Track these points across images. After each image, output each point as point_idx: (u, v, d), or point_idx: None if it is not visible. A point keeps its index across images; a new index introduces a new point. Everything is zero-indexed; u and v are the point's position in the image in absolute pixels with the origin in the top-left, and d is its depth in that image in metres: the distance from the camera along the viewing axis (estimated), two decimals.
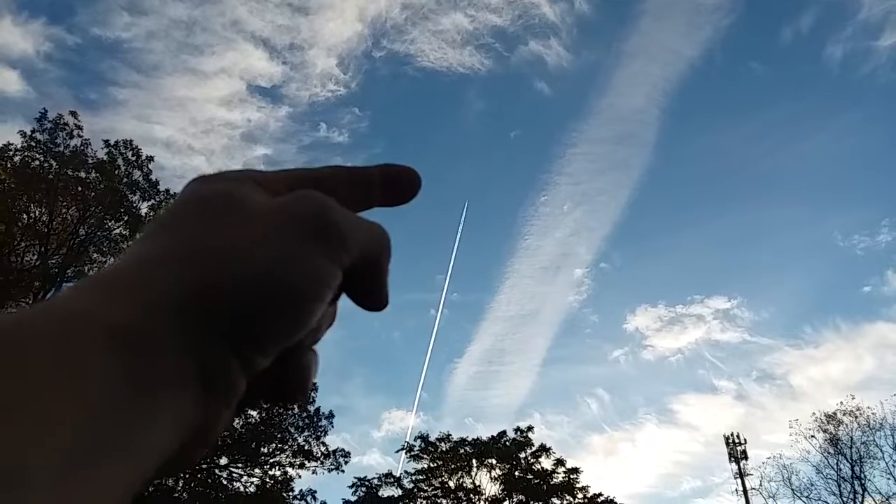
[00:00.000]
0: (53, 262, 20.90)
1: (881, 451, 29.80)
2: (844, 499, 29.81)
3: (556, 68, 45.83)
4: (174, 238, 0.30)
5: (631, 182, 49.16)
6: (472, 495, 30.60)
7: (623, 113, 47.28)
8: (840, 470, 30.24)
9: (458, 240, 44.34)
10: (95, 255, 21.63)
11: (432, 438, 32.33)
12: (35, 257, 20.63)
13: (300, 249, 0.30)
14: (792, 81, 48.95)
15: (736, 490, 32.45)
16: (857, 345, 46.73)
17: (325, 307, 0.32)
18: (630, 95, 46.48)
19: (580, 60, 46.67)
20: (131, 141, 21.89)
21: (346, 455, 26.47)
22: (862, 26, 43.46)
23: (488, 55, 44.38)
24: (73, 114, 21.39)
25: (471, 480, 31.06)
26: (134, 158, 21.79)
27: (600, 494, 30.85)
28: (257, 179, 0.35)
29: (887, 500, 29.12)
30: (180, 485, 22.51)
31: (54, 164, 20.70)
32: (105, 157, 21.46)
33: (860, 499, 29.50)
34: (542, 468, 31.30)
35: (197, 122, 42.67)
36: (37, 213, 20.60)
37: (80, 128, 21.27)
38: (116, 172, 21.43)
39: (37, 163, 20.64)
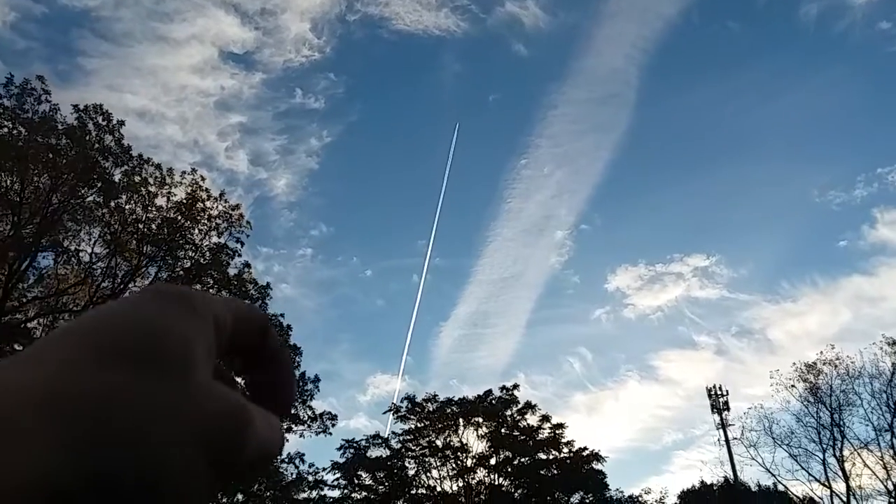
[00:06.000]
0: (27, 231, 20.56)
1: (860, 398, 30.51)
2: (824, 445, 30.56)
3: (534, 30, 45.41)
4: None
5: (611, 143, 49.26)
6: (459, 453, 31.03)
7: (603, 74, 47.11)
8: (820, 418, 30.97)
9: (441, 201, 44.14)
10: (70, 223, 21.33)
11: (419, 399, 32.69)
12: (8, 227, 20.30)
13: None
14: (768, 40, 49.08)
15: (718, 440, 33.15)
16: (833, 298, 47.64)
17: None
18: (609, 56, 46.28)
19: (558, 21, 46.27)
20: (101, 105, 21.38)
21: (334, 418, 26.69)
22: None
23: (464, 17, 43.86)
24: (41, 78, 20.85)
25: (458, 439, 31.50)
26: (105, 123, 21.33)
27: (585, 448, 31.40)
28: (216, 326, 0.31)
29: (865, 445, 29.88)
30: None
31: (23, 130, 20.22)
32: (75, 123, 21.01)
33: (839, 445, 30.26)
34: (528, 425, 31.75)
35: (169, 91, 41.95)
36: (8, 181, 20.19)
37: (48, 92, 20.76)
38: (87, 138, 20.97)
39: (5, 130, 20.14)
